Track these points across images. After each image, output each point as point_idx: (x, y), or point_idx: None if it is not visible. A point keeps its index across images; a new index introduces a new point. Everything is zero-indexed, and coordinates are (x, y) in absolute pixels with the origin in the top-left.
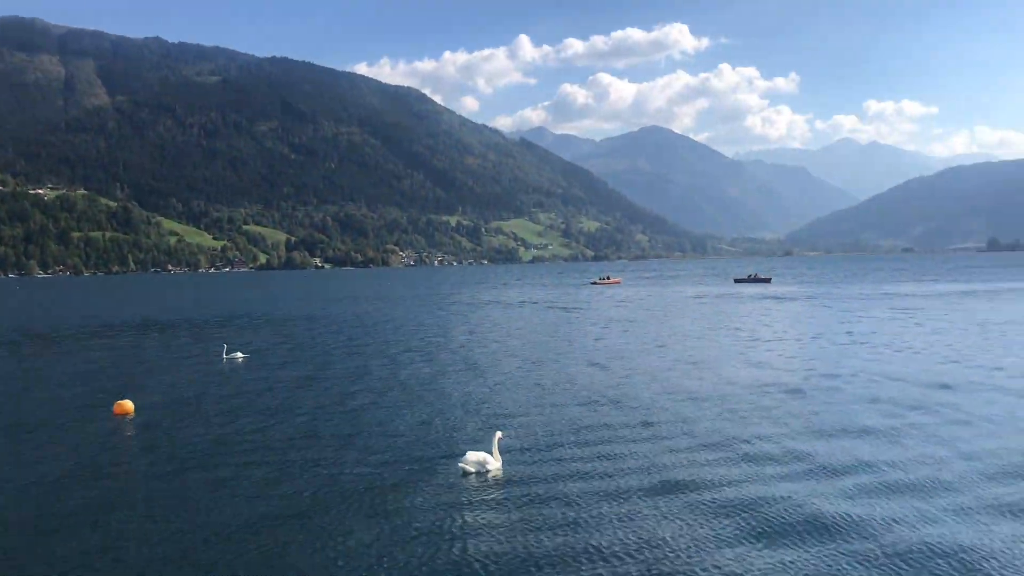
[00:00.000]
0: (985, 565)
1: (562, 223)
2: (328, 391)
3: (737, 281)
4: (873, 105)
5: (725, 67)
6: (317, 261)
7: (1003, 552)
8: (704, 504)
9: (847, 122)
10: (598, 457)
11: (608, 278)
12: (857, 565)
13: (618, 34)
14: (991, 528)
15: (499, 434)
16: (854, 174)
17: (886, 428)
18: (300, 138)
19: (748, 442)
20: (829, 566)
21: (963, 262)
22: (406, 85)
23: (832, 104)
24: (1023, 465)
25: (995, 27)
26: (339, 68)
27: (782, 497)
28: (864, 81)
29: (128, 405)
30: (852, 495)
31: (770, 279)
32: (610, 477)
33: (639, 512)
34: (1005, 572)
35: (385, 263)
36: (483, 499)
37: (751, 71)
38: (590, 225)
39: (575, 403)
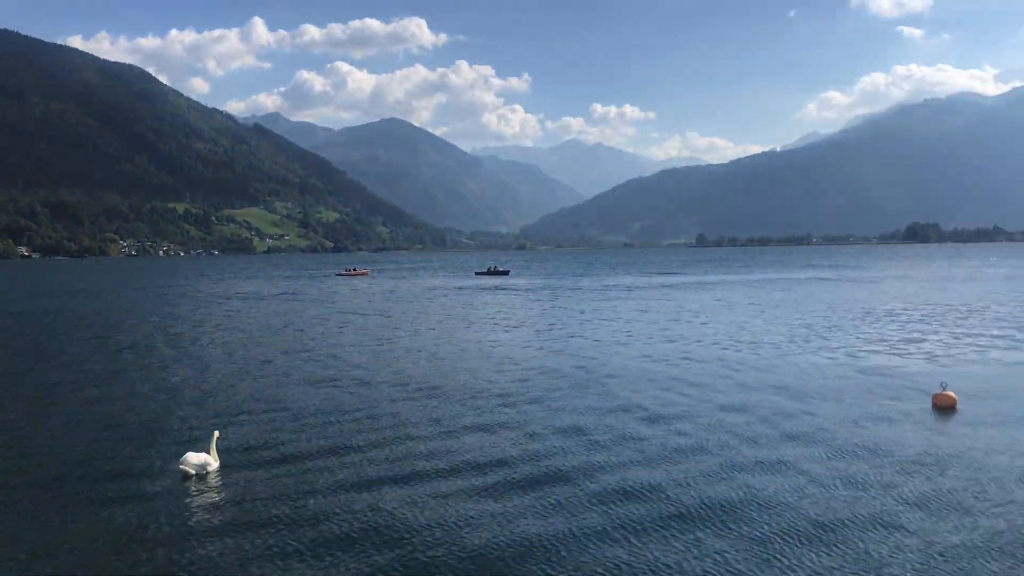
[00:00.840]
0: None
1: (300, 213)
2: (33, 395)
3: (478, 274)
4: (598, 108)
5: (463, 64)
6: (23, 250)
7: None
8: (418, 495)
9: (575, 123)
10: (324, 452)
11: (355, 269)
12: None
13: (356, 23)
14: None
15: (216, 434)
16: (581, 173)
17: (600, 408)
18: (3, 115)
19: (484, 430)
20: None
21: (677, 256)
22: (127, 62)
23: (562, 106)
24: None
25: (705, 41)
26: (49, 40)
27: (520, 479)
28: (590, 85)
29: None
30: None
31: (508, 272)
32: (333, 472)
33: (359, 505)
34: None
35: (103, 253)
36: (203, 502)
37: (487, 69)
38: (329, 216)
39: (305, 398)
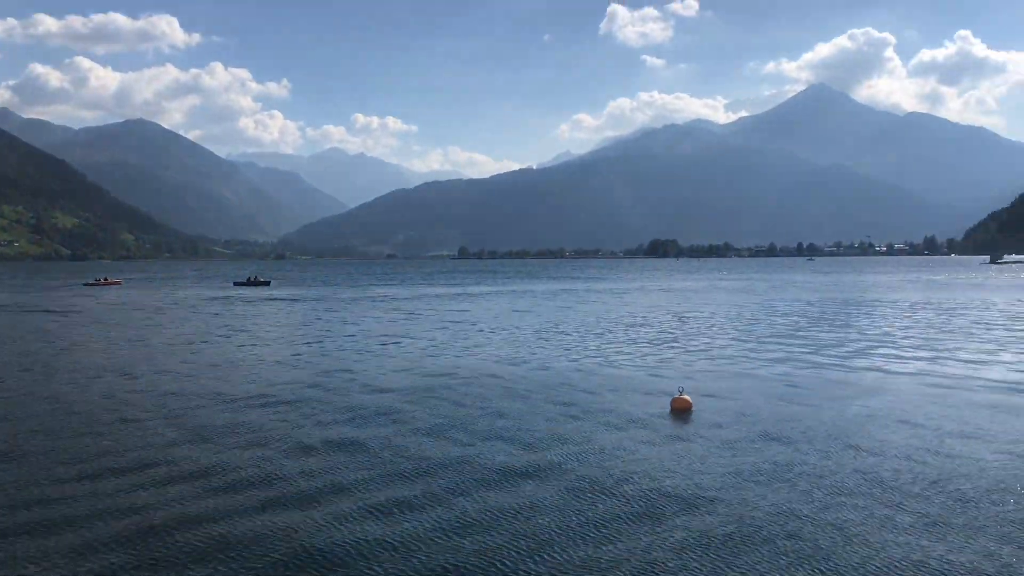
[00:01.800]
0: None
1: (32, 218)
2: None
3: (237, 284)
4: (361, 118)
5: (217, 66)
6: None
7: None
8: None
9: (337, 132)
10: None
11: (106, 279)
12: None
13: (100, 18)
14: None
15: None
16: (344, 183)
17: (355, 432)
18: None
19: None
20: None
21: (440, 267)
22: None
23: (323, 113)
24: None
25: (466, 58)
26: None
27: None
28: (353, 94)
29: None
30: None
31: (269, 282)
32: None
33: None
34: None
35: None
36: None
37: (244, 73)
38: (66, 221)
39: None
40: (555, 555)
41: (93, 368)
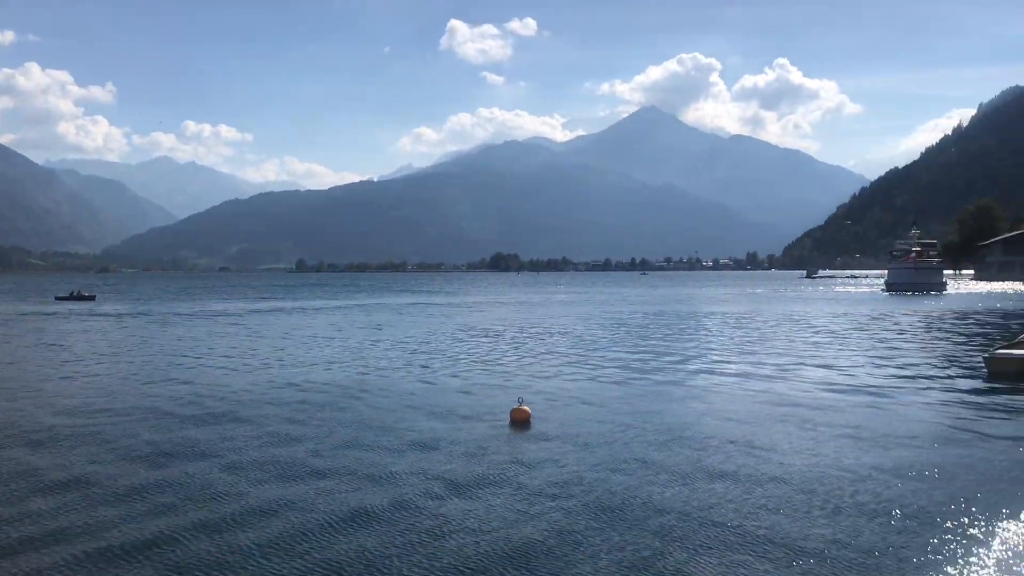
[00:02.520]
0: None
1: None
2: None
3: (59, 299)
4: (192, 126)
5: (34, 67)
6: None
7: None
8: None
9: (166, 140)
10: None
11: None
12: None
13: None
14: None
15: None
16: (173, 192)
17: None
18: None
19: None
20: None
21: (277, 280)
22: None
23: (151, 120)
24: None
25: (303, 67)
26: None
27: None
28: (183, 101)
29: None
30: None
31: (94, 296)
32: None
33: None
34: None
35: None
36: None
37: (64, 75)
38: None
39: None
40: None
41: None
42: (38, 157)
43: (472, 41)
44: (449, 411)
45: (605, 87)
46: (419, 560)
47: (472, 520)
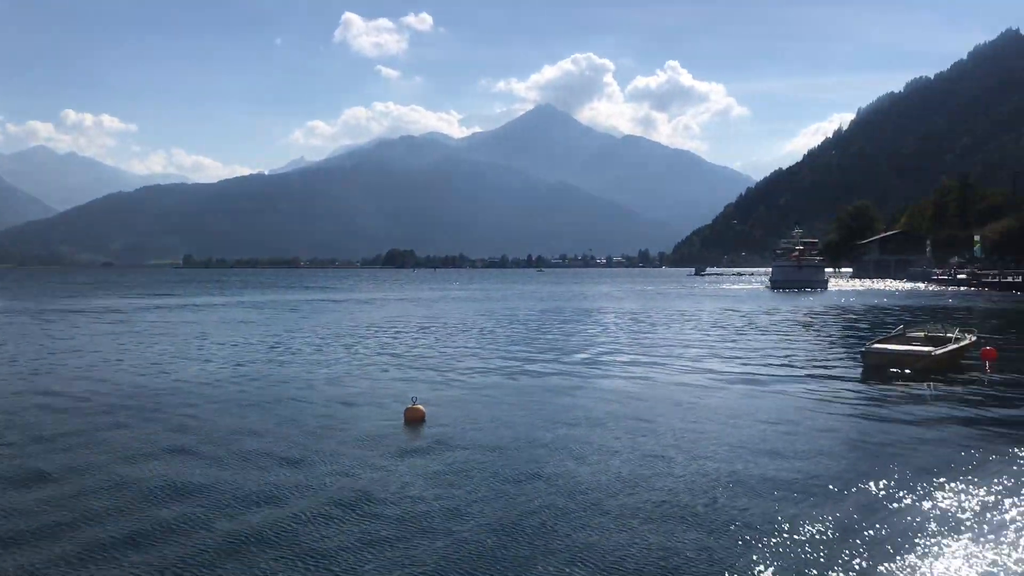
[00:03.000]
0: None
1: None
2: None
3: None
4: (71, 115)
5: None
6: None
7: None
8: None
9: (43, 129)
10: None
11: None
12: None
13: None
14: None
15: None
16: (51, 184)
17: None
18: None
19: None
20: None
21: (164, 276)
22: None
23: (27, 108)
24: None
25: (191, 56)
26: None
27: None
28: (63, 88)
29: None
30: None
31: None
32: None
33: None
34: None
35: None
36: None
37: None
38: None
39: None
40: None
41: None
42: None
43: (367, 34)
44: (341, 411)
45: (501, 84)
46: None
47: (361, 522)
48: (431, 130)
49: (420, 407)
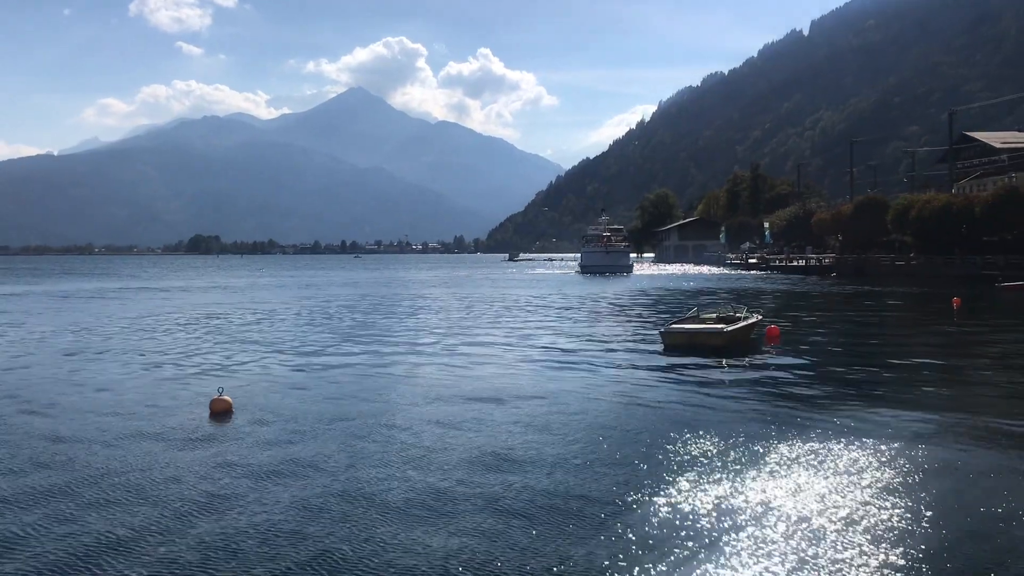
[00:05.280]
0: None
1: None
2: None
3: None
4: None
5: None
6: None
7: None
8: None
9: None
10: None
11: None
12: None
13: None
14: None
15: None
16: None
17: None
18: None
19: None
20: None
21: None
22: None
23: None
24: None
25: None
26: None
27: None
28: None
29: None
30: None
31: None
32: None
33: None
34: None
35: None
36: None
37: None
38: None
39: None
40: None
41: None
42: None
43: (166, 8)
44: (142, 406)
45: (311, 66)
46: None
47: (167, 518)
48: (237, 110)
49: (227, 398)
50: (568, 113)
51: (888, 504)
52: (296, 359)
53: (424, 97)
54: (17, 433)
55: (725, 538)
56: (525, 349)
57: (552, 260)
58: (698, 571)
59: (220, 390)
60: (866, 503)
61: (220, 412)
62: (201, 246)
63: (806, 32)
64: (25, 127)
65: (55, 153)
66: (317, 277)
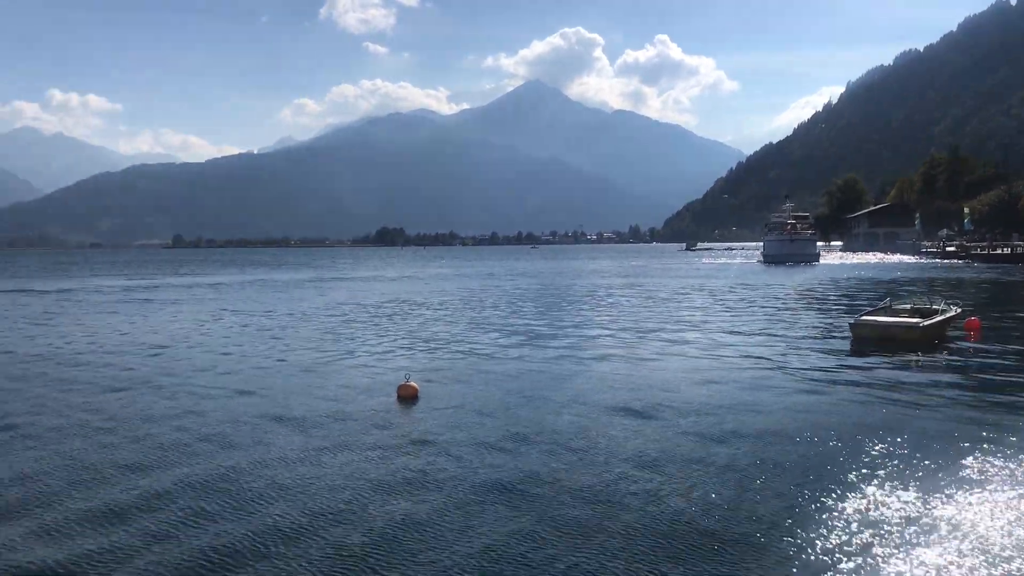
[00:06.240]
0: None
1: None
2: None
3: None
4: (57, 95)
5: None
6: None
7: None
8: None
9: (29, 109)
10: None
11: None
12: None
13: None
14: None
15: None
16: (38, 165)
17: None
18: None
19: None
20: None
21: (157, 256)
22: None
23: (12, 89)
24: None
25: (178, 36)
26: None
27: None
28: (48, 68)
29: None
30: None
31: None
32: None
33: None
34: None
35: None
36: None
37: None
38: None
39: None
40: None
41: None
42: None
43: (353, 11)
44: (335, 390)
45: (490, 60)
46: (310, 549)
47: (359, 498)
48: (419, 107)
49: (414, 384)
50: (749, 97)
51: None
52: (481, 347)
53: (600, 86)
54: (238, 411)
55: (909, 553)
56: (704, 341)
57: (732, 249)
58: None
59: (407, 376)
60: None
61: (407, 397)
62: (387, 238)
63: (1014, 1)
64: (229, 128)
65: (255, 152)
66: (497, 267)
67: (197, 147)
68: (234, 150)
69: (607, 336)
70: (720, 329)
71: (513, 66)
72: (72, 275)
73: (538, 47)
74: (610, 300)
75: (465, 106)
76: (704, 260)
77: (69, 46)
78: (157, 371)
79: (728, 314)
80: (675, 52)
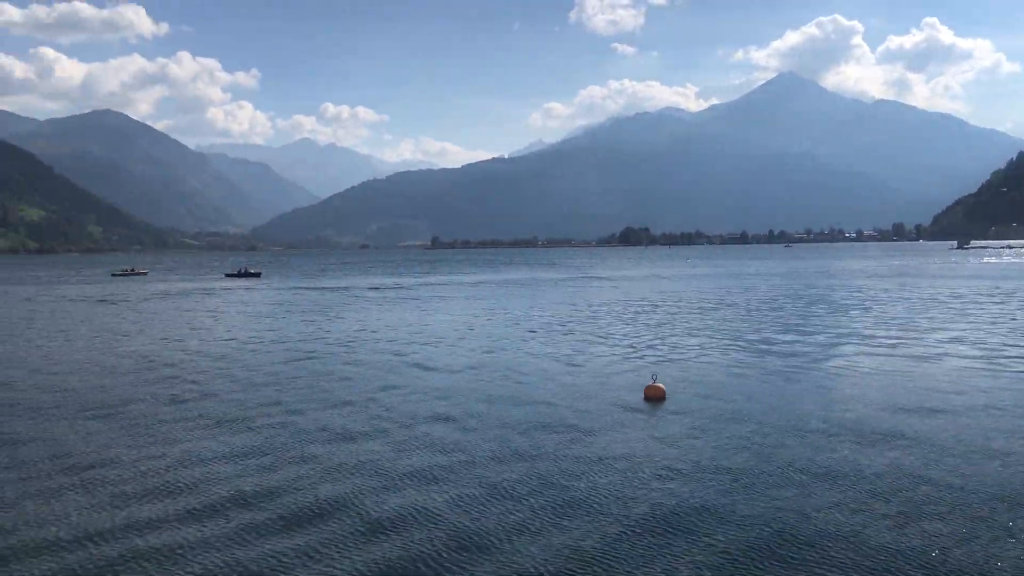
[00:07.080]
0: None
1: None
2: None
3: (229, 276)
4: (331, 108)
5: (185, 55)
6: None
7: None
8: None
9: (307, 122)
10: None
11: (133, 270)
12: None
13: (63, 7)
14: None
15: None
16: (314, 173)
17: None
18: None
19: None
20: None
21: (420, 256)
22: None
23: (292, 104)
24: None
25: (435, 47)
26: None
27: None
28: (322, 84)
29: None
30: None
31: (260, 274)
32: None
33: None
34: None
35: None
36: None
37: (212, 63)
38: (33, 214)
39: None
40: (518, 546)
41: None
42: (190, 142)
43: (602, 12)
44: (585, 386)
45: (739, 54)
46: (565, 527)
47: (607, 490)
48: (667, 105)
49: (660, 385)
50: None
51: None
52: (732, 351)
53: (860, 75)
54: (501, 399)
55: None
56: (971, 350)
57: (1011, 248)
58: None
59: (654, 377)
60: None
61: (654, 398)
62: (631, 238)
63: None
64: (481, 134)
65: (506, 156)
66: (749, 267)
67: (453, 153)
68: (486, 155)
69: (866, 341)
70: (989, 336)
71: (765, 58)
72: (380, 273)
73: (792, 38)
74: (872, 303)
75: (714, 101)
76: (981, 261)
77: (340, 63)
78: (474, 364)
79: (999, 320)
80: (945, 35)
